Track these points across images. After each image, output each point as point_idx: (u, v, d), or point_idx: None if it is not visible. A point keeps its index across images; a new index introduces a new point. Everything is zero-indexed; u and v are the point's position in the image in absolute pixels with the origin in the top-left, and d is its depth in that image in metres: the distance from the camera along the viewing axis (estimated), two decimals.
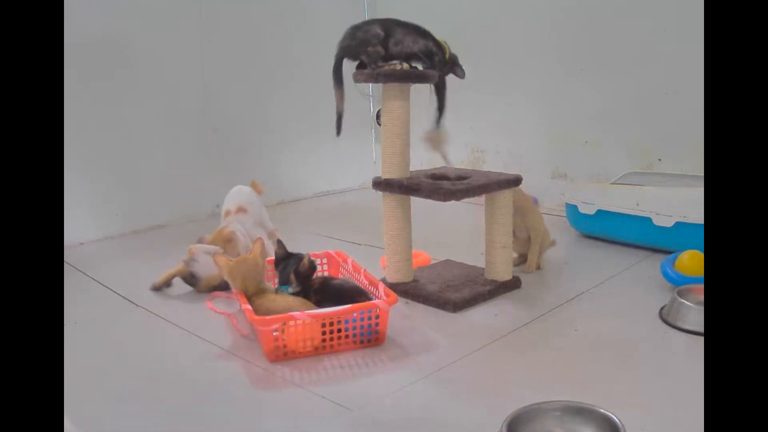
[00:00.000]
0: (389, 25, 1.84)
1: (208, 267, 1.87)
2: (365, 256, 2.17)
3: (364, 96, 3.65)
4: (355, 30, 1.84)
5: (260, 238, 1.74)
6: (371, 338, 1.57)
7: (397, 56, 1.84)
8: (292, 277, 1.70)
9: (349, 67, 1.88)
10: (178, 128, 2.92)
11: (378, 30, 1.81)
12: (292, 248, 1.79)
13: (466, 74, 1.91)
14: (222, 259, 1.67)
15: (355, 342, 1.56)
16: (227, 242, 2.03)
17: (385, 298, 1.59)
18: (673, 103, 2.65)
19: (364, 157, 3.76)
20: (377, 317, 1.55)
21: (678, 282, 1.85)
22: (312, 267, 1.74)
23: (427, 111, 2.12)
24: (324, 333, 1.52)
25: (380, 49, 1.82)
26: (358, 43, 1.83)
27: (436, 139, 1.91)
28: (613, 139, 2.88)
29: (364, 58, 1.84)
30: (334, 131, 1.94)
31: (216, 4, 2.98)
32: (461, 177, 1.94)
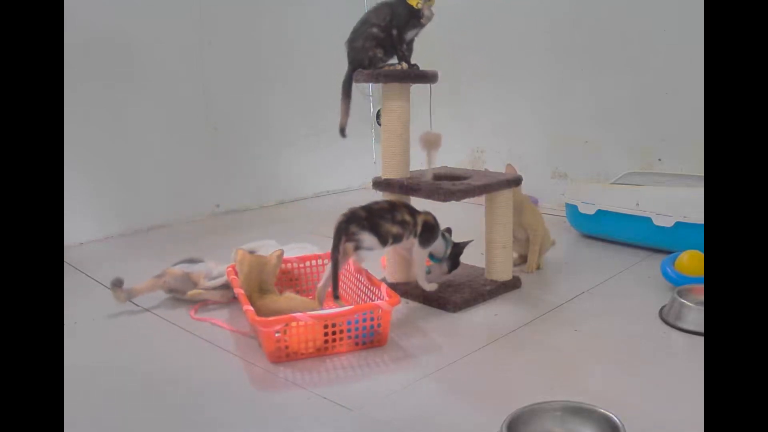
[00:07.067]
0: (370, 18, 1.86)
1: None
2: (365, 255, 2.16)
3: (364, 96, 3.65)
4: (351, 42, 1.88)
5: (282, 249, 1.83)
6: (373, 339, 1.57)
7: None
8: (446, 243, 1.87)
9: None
10: (178, 128, 2.92)
11: (373, 31, 1.84)
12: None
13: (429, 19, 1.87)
14: (241, 251, 1.79)
15: (357, 343, 1.56)
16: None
17: (387, 298, 1.59)
18: (673, 103, 2.65)
19: (364, 157, 3.76)
20: (379, 318, 1.55)
21: (678, 282, 1.85)
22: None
23: (427, 111, 2.12)
24: (326, 334, 1.52)
25: (378, 51, 1.86)
26: (359, 52, 1.87)
27: (432, 141, 1.90)
28: (613, 139, 2.88)
29: (367, 63, 1.89)
30: (338, 133, 1.97)
31: (216, 5, 2.98)
32: (460, 177, 1.94)
